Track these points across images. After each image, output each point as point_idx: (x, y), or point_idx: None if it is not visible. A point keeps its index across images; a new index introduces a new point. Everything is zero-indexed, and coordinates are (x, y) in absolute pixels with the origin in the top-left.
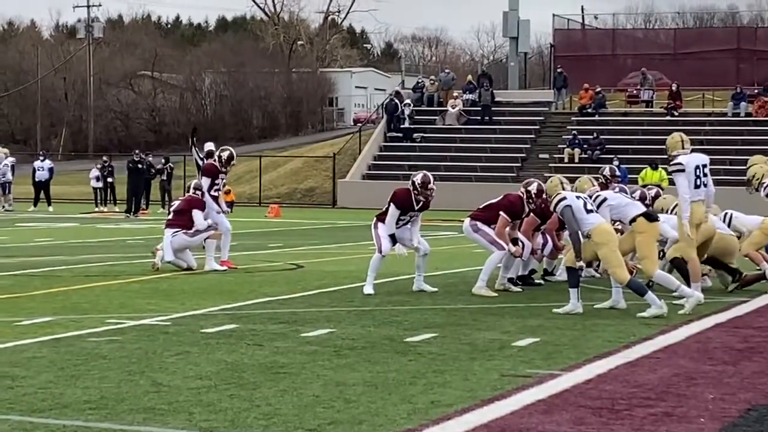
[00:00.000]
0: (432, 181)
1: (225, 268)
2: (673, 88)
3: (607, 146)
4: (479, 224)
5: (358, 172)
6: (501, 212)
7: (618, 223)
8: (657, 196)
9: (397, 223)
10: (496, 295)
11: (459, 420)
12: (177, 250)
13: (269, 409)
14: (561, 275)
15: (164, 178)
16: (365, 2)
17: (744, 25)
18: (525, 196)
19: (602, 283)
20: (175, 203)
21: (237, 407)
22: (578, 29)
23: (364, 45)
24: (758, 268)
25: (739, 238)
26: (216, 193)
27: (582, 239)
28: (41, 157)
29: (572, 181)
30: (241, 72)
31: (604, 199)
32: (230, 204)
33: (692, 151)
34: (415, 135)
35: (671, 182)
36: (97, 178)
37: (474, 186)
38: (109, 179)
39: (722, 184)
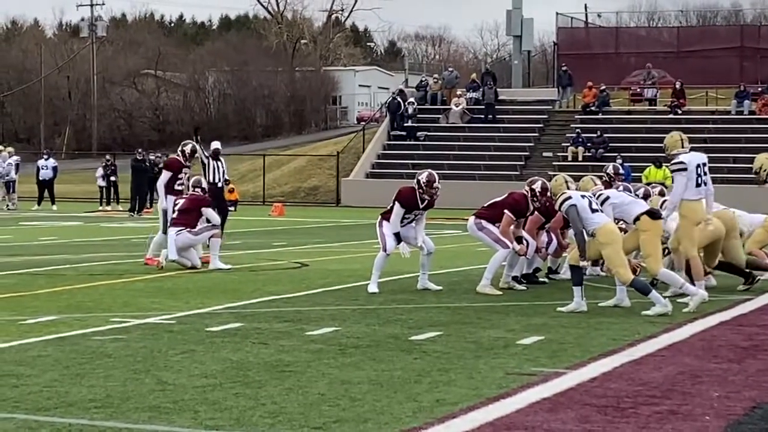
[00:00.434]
0: (437, 180)
1: (229, 266)
2: (677, 87)
3: (610, 144)
4: (484, 222)
5: (361, 170)
6: (505, 210)
7: (621, 221)
8: (661, 194)
9: (401, 222)
10: (500, 293)
11: (464, 418)
12: (181, 248)
13: (274, 407)
14: (565, 273)
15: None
16: (368, 1)
17: (747, 23)
18: (529, 195)
19: (606, 282)
20: (179, 202)
21: (242, 405)
22: (582, 27)
23: (368, 43)
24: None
25: (740, 236)
26: (180, 187)
27: (587, 238)
28: (45, 156)
29: (576, 179)
30: (245, 71)
31: (607, 198)
32: (234, 203)
33: (691, 149)
34: (418, 133)
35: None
36: (103, 177)
37: (478, 184)
38: (112, 178)
39: (725, 182)
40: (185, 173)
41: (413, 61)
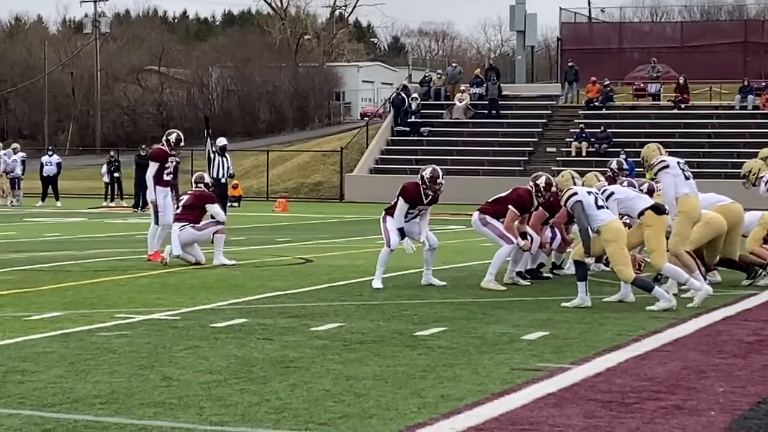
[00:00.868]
0: (441, 176)
1: (234, 262)
2: (681, 82)
3: (614, 140)
4: (488, 218)
5: (365, 166)
6: (510, 206)
7: (626, 217)
8: None
9: (405, 217)
10: (504, 288)
11: (469, 414)
12: (185, 244)
13: (279, 403)
14: (569, 269)
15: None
16: None
17: (751, 17)
18: (534, 190)
19: (611, 277)
20: (184, 197)
21: (247, 401)
22: (585, 23)
23: (371, 39)
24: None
25: None
26: (168, 177)
27: (591, 234)
28: (49, 153)
29: (580, 175)
30: (248, 66)
31: (612, 193)
32: (238, 198)
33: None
34: (422, 129)
35: None
36: (107, 173)
37: (481, 180)
38: (116, 174)
39: (729, 177)
40: (172, 162)
41: (417, 57)
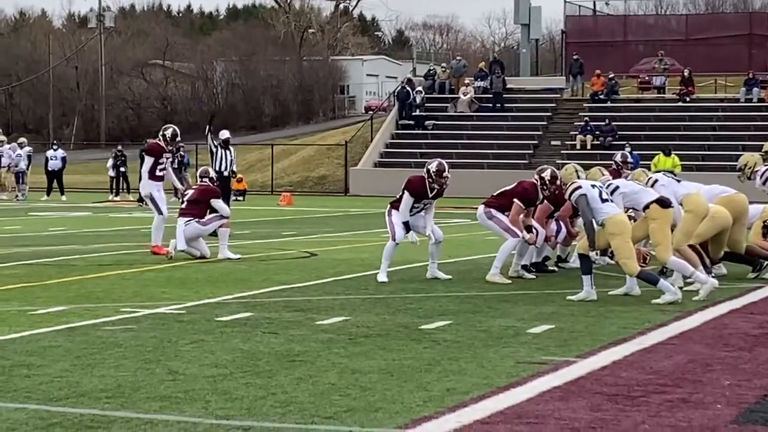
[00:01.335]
0: (447, 169)
1: (239, 256)
2: (686, 74)
3: (619, 133)
4: (493, 211)
5: (370, 159)
6: (515, 199)
7: (631, 210)
8: None
9: (411, 211)
10: (510, 282)
11: (475, 407)
12: (189, 239)
13: (285, 397)
14: (575, 262)
15: (176, 166)
16: None
17: (756, 10)
18: (539, 183)
19: (616, 270)
20: (189, 192)
21: (253, 395)
22: (590, 15)
23: (375, 33)
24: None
25: None
26: (161, 173)
27: (596, 227)
28: (54, 147)
29: (585, 168)
30: (253, 60)
31: (617, 187)
32: (242, 192)
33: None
34: (426, 122)
35: (684, 168)
36: (113, 167)
37: (486, 173)
38: (122, 168)
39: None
40: (167, 158)
41: (421, 51)
